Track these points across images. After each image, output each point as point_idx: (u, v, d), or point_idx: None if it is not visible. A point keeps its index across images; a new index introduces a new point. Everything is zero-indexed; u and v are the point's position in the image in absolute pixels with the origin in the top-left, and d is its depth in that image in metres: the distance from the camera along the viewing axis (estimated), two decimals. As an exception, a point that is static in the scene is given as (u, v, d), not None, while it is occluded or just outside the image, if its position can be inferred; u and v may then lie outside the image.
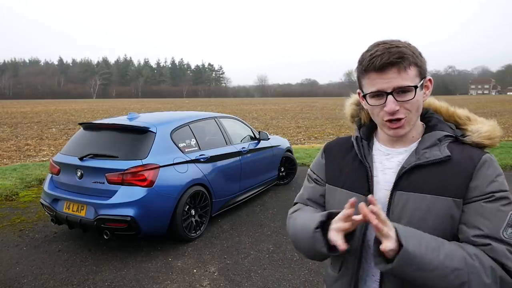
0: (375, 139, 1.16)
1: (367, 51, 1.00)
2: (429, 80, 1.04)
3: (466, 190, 0.96)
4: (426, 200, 0.98)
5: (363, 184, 1.09)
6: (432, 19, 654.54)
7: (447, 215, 0.96)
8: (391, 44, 0.97)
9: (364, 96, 1.04)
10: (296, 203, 1.30)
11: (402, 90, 0.97)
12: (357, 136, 1.17)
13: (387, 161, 1.09)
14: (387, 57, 0.95)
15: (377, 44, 1.00)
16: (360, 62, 1.01)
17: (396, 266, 0.87)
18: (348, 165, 1.15)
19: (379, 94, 0.99)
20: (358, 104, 1.22)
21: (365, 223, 1.01)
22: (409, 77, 0.96)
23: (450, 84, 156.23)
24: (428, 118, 1.11)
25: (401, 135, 1.03)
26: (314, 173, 1.26)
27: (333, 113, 28.47)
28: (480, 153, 1.01)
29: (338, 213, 1.00)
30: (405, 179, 1.02)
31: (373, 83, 0.99)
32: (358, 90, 1.09)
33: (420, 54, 1.00)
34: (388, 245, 0.87)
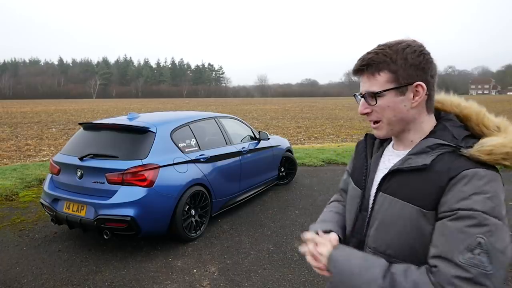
0: (392, 140, 1.17)
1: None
2: (418, 85, 0.99)
3: (438, 204, 0.90)
4: (397, 205, 0.98)
5: (362, 180, 1.16)
6: (432, 19, 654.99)
7: (414, 225, 0.93)
8: (372, 50, 1.03)
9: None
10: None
11: (370, 95, 1.03)
12: (366, 134, 1.25)
13: (388, 162, 1.11)
14: (357, 63, 1.04)
15: (377, 47, 1.06)
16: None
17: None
18: (360, 161, 1.21)
19: (363, 96, 1.06)
20: None
21: (356, 214, 1.15)
22: (377, 83, 1.01)
23: (450, 84, 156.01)
24: (438, 123, 1.05)
25: (379, 136, 1.10)
26: (348, 165, 1.34)
27: (333, 113, 28.48)
28: (465, 166, 0.90)
29: None
30: (387, 181, 1.04)
31: (361, 86, 1.07)
32: None
33: (404, 58, 0.98)
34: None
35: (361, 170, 1.18)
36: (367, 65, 1.01)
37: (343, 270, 0.99)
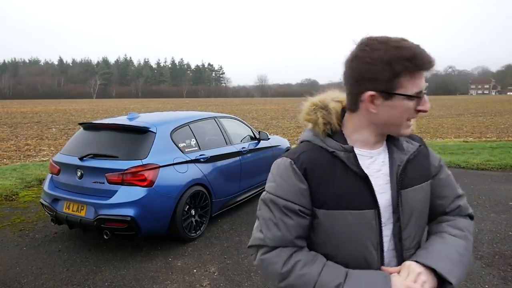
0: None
1: (408, 47, 0.91)
2: None
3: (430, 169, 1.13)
4: (423, 189, 1.09)
5: (368, 197, 0.99)
6: (432, 19, 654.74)
7: (428, 195, 1.12)
8: (420, 46, 0.94)
9: (389, 95, 0.94)
10: (275, 248, 1.01)
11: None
12: (343, 146, 1.02)
13: (372, 164, 1.04)
14: (433, 59, 0.93)
15: (404, 40, 0.93)
16: (409, 58, 0.90)
17: None
18: (343, 181, 0.99)
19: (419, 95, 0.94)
20: (325, 108, 1.07)
21: (379, 236, 1.01)
22: None
23: (450, 84, 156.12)
24: None
25: (408, 133, 1.06)
26: (294, 203, 1.01)
27: (333, 113, 28.41)
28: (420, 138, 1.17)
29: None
30: (403, 176, 1.04)
31: (418, 83, 0.93)
32: (372, 93, 0.94)
33: None
34: None
35: (359, 190, 0.99)
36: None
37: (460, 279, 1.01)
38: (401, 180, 1.02)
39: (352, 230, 0.99)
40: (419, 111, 0.96)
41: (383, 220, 1.01)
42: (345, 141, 1.03)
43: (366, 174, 0.99)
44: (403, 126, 0.99)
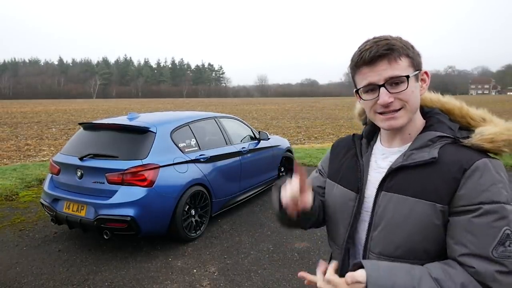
0: (378, 138, 1.14)
1: (358, 47, 1.00)
2: (425, 73, 1.02)
3: (453, 197, 0.90)
4: (408, 203, 0.94)
5: (355, 181, 1.09)
6: (432, 19, 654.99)
7: (429, 221, 0.91)
8: (379, 38, 0.97)
9: (358, 93, 1.02)
10: None
11: (394, 82, 0.95)
12: (354, 134, 1.21)
13: (381, 161, 1.08)
14: (376, 50, 0.94)
15: (367, 40, 0.99)
16: (352, 59, 1.01)
17: None
18: (347, 162, 1.16)
19: (372, 88, 0.97)
20: None
21: (352, 218, 1.07)
22: (400, 67, 0.94)
23: (450, 84, 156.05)
24: (430, 117, 1.05)
25: (395, 127, 0.99)
26: (321, 165, 1.30)
27: (333, 113, 28.47)
28: (474, 157, 0.91)
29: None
30: (390, 179, 1.00)
31: (364, 77, 0.98)
32: (354, 89, 1.06)
33: (412, 46, 0.98)
34: None
35: (352, 172, 1.11)
36: (390, 49, 0.94)
37: None
38: (384, 181, 1.01)
39: (337, 203, 1.13)
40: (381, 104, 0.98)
41: (364, 209, 1.06)
42: (372, 132, 1.16)
43: (361, 162, 1.11)
44: (377, 119, 1.02)
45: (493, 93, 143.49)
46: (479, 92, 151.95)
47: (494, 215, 0.85)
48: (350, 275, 0.87)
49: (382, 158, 1.08)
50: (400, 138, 1.05)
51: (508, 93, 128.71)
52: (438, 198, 0.91)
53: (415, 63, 0.98)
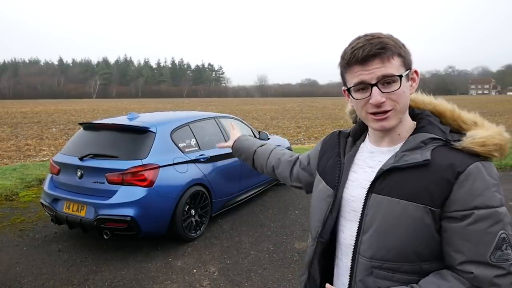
0: (367, 137, 1.13)
1: (349, 44, 0.98)
2: (415, 72, 1.01)
3: (445, 201, 0.89)
4: (399, 206, 0.93)
5: (335, 178, 1.12)
6: (432, 19, 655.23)
7: (421, 223, 0.91)
8: (372, 36, 0.95)
9: (349, 91, 1.00)
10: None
11: (387, 81, 0.93)
12: (340, 131, 1.22)
13: (370, 160, 1.06)
14: (369, 48, 0.92)
15: (358, 37, 0.97)
16: (342, 56, 0.99)
17: None
18: (331, 160, 1.18)
19: (364, 87, 0.95)
20: None
21: (327, 214, 1.10)
22: (393, 67, 0.93)
23: (450, 84, 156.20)
24: (421, 118, 1.04)
25: (386, 128, 0.98)
26: (309, 155, 1.37)
27: (333, 113, 28.48)
28: (467, 161, 0.90)
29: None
30: (381, 181, 0.98)
31: (356, 76, 0.96)
32: (343, 87, 1.04)
33: (403, 45, 0.97)
34: None
35: (334, 170, 1.13)
36: (384, 48, 0.92)
37: None
38: (375, 183, 0.99)
39: (317, 198, 1.17)
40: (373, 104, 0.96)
41: (351, 208, 1.06)
42: (360, 130, 1.15)
43: (342, 160, 1.13)
44: (368, 119, 1.00)
45: (493, 93, 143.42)
46: (479, 92, 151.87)
47: (489, 220, 0.86)
48: None
49: (370, 157, 1.07)
50: (389, 138, 1.03)
51: (508, 93, 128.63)
52: (431, 202, 0.90)
53: (407, 62, 0.97)
